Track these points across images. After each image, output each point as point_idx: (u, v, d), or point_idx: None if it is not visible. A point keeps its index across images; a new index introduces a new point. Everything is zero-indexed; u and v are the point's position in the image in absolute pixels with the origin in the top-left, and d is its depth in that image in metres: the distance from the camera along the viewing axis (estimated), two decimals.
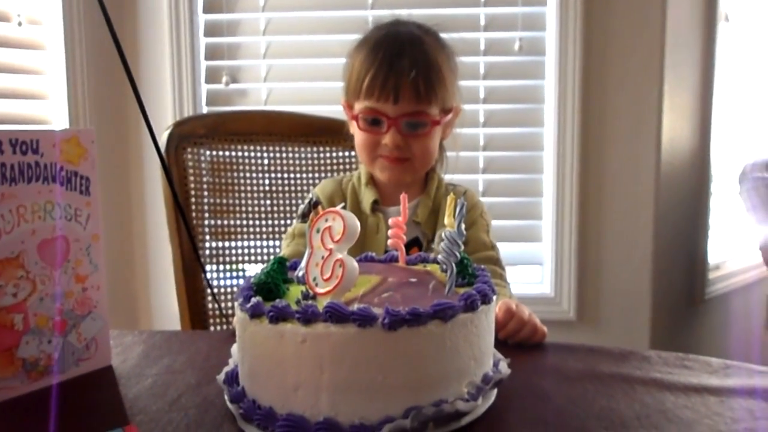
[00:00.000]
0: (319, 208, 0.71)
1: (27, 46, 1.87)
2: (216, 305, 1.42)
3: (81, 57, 1.93)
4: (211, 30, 2.05)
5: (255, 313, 0.64)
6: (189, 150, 1.45)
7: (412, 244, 1.15)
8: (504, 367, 0.72)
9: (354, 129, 1.18)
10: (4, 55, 1.83)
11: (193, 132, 1.46)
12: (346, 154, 1.53)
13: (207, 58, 2.05)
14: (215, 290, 1.46)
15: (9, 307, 0.73)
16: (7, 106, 1.85)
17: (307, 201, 0.73)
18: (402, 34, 1.14)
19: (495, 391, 0.69)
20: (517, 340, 0.88)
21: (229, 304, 1.46)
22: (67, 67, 1.90)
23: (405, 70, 1.08)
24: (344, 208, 0.68)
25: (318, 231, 0.67)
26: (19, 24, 1.82)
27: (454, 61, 1.19)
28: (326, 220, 0.67)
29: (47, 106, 1.92)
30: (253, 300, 0.65)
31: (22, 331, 0.74)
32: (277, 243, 1.50)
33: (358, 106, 1.14)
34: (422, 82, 1.09)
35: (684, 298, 2.27)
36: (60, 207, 0.77)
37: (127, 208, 2.10)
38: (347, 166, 1.52)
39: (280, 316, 0.62)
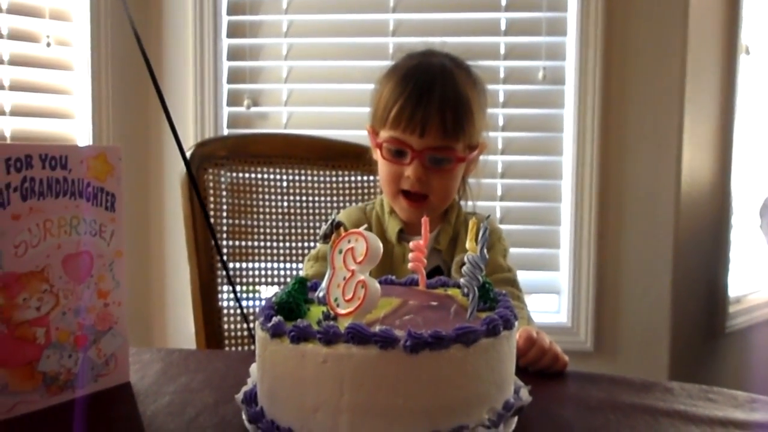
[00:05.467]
0: (341, 229, 0.71)
1: (55, 66, 1.91)
2: (245, 324, 1.41)
3: (107, 77, 1.96)
4: (234, 54, 2.08)
5: (276, 333, 0.64)
6: (210, 171, 1.46)
7: (434, 273, 1.14)
8: (525, 395, 0.71)
9: (377, 156, 1.17)
10: (33, 75, 1.87)
11: (214, 153, 1.48)
12: (365, 178, 1.54)
13: (229, 81, 2.09)
14: (231, 311, 1.46)
15: (32, 320, 0.74)
16: (35, 124, 1.89)
17: (329, 222, 0.73)
18: (434, 66, 1.13)
19: (515, 418, 0.68)
20: (537, 368, 0.86)
21: (244, 326, 1.46)
22: (92, 87, 1.94)
23: (434, 104, 1.07)
24: (367, 230, 0.67)
25: (340, 252, 0.67)
26: (48, 45, 1.86)
27: (485, 96, 1.17)
28: (349, 241, 0.67)
29: (73, 125, 1.95)
30: (275, 319, 0.65)
31: (43, 344, 0.75)
32: (294, 265, 1.50)
33: (384, 134, 1.13)
34: (450, 117, 1.08)
35: (704, 331, 2.24)
36: (86, 222, 0.78)
37: (145, 226, 2.12)
38: (366, 191, 1.53)
39: (301, 336, 0.62)
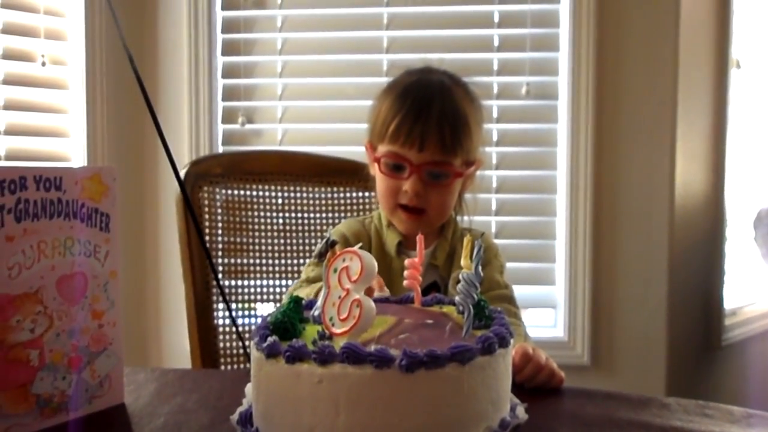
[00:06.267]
0: (336, 248, 0.71)
1: (50, 85, 1.92)
2: (240, 342, 1.41)
3: (102, 96, 1.97)
4: (229, 72, 2.09)
5: (271, 353, 0.63)
6: (205, 188, 1.46)
7: (430, 288, 1.14)
8: (521, 412, 0.71)
9: (375, 171, 1.17)
10: (28, 94, 1.87)
11: (209, 171, 1.48)
12: (360, 194, 1.54)
13: (224, 99, 2.09)
14: (227, 329, 1.45)
15: (26, 342, 0.73)
16: (30, 143, 1.89)
17: (324, 241, 0.73)
18: (433, 82, 1.14)
19: None
20: (533, 384, 0.86)
21: (240, 344, 1.45)
22: (87, 106, 1.95)
23: (433, 119, 1.08)
24: (361, 248, 0.68)
25: (335, 271, 0.67)
26: (43, 64, 1.87)
27: (482, 113, 1.19)
28: (343, 260, 0.67)
29: (68, 143, 1.96)
30: (270, 339, 0.65)
31: (37, 366, 0.74)
32: (290, 282, 1.50)
33: (382, 149, 1.13)
34: (449, 132, 1.09)
35: (700, 345, 2.24)
36: (80, 243, 0.78)
37: (141, 244, 2.12)
38: (361, 206, 1.53)
39: (296, 356, 0.61)
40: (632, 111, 1.99)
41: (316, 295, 0.96)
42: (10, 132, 1.84)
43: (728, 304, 2.29)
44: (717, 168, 2.22)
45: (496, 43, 2.02)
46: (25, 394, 0.74)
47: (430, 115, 1.08)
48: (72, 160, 1.96)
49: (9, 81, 1.84)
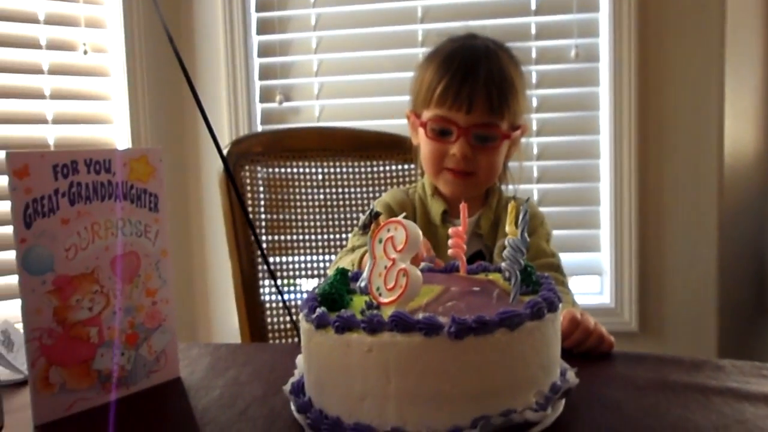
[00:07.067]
0: (381, 218, 0.71)
1: (92, 73, 1.96)
2: (289, 317, 1.43)
3: (142, 81, 2.00)
4: (265, 50, 2.10)
5: (321, 324, 0.65)
6: (246, 167, 1.48)
7: (475, 257, 1.14)
8: (572, 377, 0.70)
9: (420, 138, 1.17)
10: (71, 82, 1.92)
11: (250, 150, 1.50)
12: (399, 167, 1.54)
13: (261, 78, 2.10)
14: (274, 304, 1.48)
15: (85, 320, 0.76)
16: (76, 131, 1.94)
17: (368, 212, 0.73)
18: (478, 47, 1.14)
19: (563, 401, 0.68)
20: (583, 349, 0.86)
21: (287, 318, 1.48)
22: (129, 91, 1.99)
23: (480, 80, 1.08)
24: (406, 218, 0.68)
25: (380, 241, 0.67)
26: (85, 52, 1.91)
27: (526, 79, 1.18)
28: (388, 230, 0.67)
29: (112, 129, 2.00)
30: (318, 311, 0.66)
31: (97, 343, 0.77)
32: (334, 257, 1.52)
33: (427, 114, 1.13)
34: (496, 94, 1.08)
35: (752, 307, 2.18)
36: (131, 224, 0.80)
37: (186, 224, 2.16)
38: (401, 179, 1.53)
39: (345, 326, 0.62)
40: (678, 70, 1.92)
41: (362, 260, 0.97)
42: (57, 121, 1.89)
43: None
44: (767, 125, 2.13)
45: (533, 6, 1.97)
46: (87, 370, 0.77)
47: (477, 77, 1.08)
48: (117, 146, 2.00)
49: (54, 71, 1.88)
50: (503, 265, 0.71)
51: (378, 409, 0.61)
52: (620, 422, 0.67)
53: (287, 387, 0.73)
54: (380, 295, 0.66)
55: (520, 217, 0.69)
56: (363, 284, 0.73)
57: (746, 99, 2.05)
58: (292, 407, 0.70)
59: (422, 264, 0.83)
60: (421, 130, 1.15)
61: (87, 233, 0.76)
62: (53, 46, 1.88)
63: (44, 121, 1.87)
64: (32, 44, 1.85)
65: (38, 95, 1.86)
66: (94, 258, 0.76)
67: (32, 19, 1.85)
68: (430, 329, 0.59)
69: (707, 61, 1.92)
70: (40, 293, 0.72)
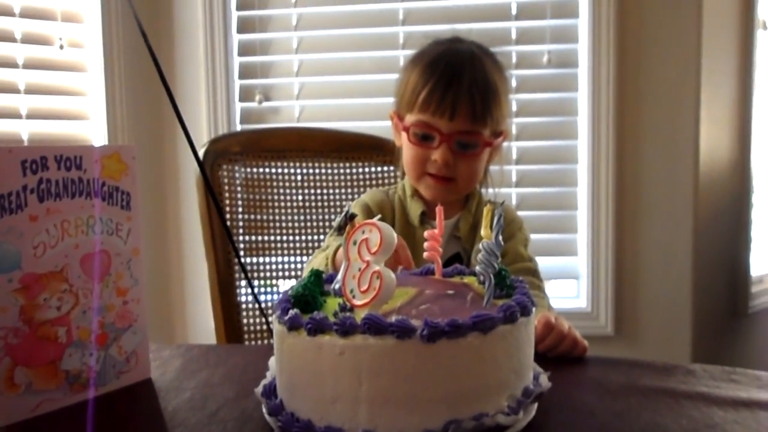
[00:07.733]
0: (356, 220, 0.71)
1: (69, 68, 1.93)
2: (263, 318, 1.42)
3: (120, 78, 1.98)
4: (245, 50, 2.08)
5: (293, 326, 0.64)
6: (224, 167, 1.47)
7: (453, 260, 1.14)
8: (544, 381, 0.71)
9: (403, 141, 1.16)
10: (47, 77, 1.89)
11: (228, 149, 1.48)
12: (378, 169, 1.53)
13: (241, 77, 2.09)
14: (250, 305, 1.47)
15: (53, 320, 0.74)
16: (51, 126, 1.91)
17: (343, 214, 0.73)
18: (463, 51, 1.13)
19: (536, 405, 0.68)
20: (556, 353, 0.86)
21: (263, 320, 1.47)
22: (106, 88, 1.96)
23: (464, 87, 1.07)
24: (383, 219, 0.67)
25: (355, 243, 0.67)
26: (61, 47, 1.88)
27: (509, 84, 1.18)
28: (363, 232, 0.67)
29: (88, 126, 1.97)
30: (291, 312, 0.65)
31: (65, 343, 0.76)
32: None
33: (411, 118, 1.12)
34: (480, 101, 1.08)
35: (726, 312, 2.21)
36: (102, 222, 0.79)
37: (163, 224, 2.14)
38: (379, 181, 1.53)
39: (318, 328, 0.62)
40: (655, 77, 1.95)
41: (335, 255, 0.97)
42: (32, 116, 1.86)
43: (754, 271, 2.25)
44: (742, 132, 2.17)
45: (514, 11, 1.99)
46: (54, 371, 0.75)
47: (461, 84, 1.07)
48: (93, 142, 1.97)
49: (29, 65, 1.85)
50: (477, 268, 0.71)
51: (350, 412, 0.61)
52: (591, 426, 0.67)
53: (259, 389, 0.72)
54: (354, 297, 0.65)
55: (495, 221, 0.69)
56: (337, 286, 0.73)
57: (721, 106, 2.08)
58: (264, 410, 0.69)
59: (399, 268, 0.83)
60: (403, 134, 1.15)
61: (56, 231, 0.74)
62: (29, 40, 1.85)
63: (18, 116, 1.84)
64: (7, 38, 1.82)
65: (13, 89, 1.83)
66: (63, 256, 0.75)
67: (7, 12, 1.82)
68: (403, 332, 0.59)
69: (684, 69, 1.94)
70: (5, 291, 0.71)
